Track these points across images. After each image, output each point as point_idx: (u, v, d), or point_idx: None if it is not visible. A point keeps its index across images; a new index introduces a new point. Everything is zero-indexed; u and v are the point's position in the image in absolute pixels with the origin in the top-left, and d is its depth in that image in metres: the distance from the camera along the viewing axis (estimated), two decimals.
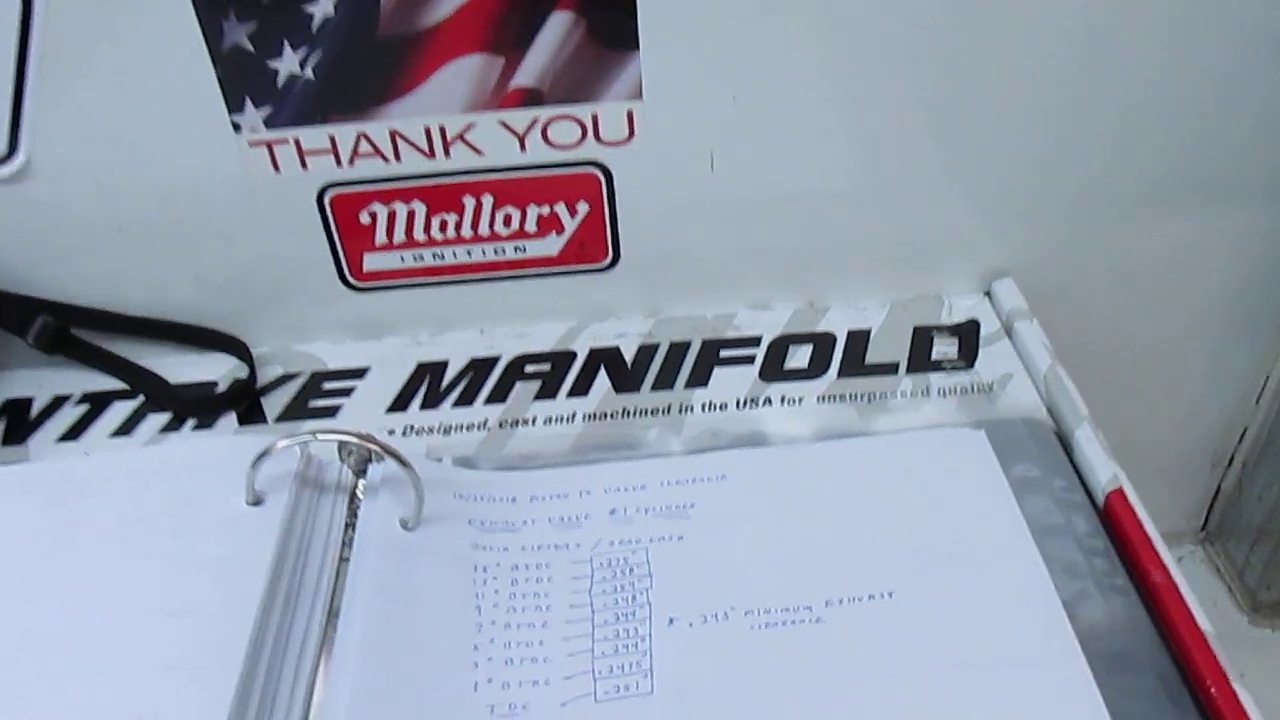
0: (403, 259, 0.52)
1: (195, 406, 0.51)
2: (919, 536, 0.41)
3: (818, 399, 0.50)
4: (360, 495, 0.44)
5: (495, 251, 0.53)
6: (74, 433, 0.50)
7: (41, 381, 0.53)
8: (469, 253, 0.52)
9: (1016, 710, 0.35)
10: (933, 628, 0.38)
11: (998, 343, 0.53)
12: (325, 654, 0.38)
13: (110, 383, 0.53)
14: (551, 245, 0.53)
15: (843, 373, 0.51)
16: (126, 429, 0.50)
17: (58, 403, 0.52)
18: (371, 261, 0.52)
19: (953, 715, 0.35)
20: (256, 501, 0.42)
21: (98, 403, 0.52)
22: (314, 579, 0.41)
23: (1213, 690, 0.35)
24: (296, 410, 0.51)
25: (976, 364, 0.51)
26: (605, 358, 0.53)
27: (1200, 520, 0.75)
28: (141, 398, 0.52)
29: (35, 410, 0.51)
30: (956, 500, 0.43)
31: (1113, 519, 0.42)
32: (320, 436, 0.42)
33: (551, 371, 0.53)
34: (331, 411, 0.51)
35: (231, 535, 0.41)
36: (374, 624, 0.38)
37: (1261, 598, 0.71)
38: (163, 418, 0.51)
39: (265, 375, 0.53)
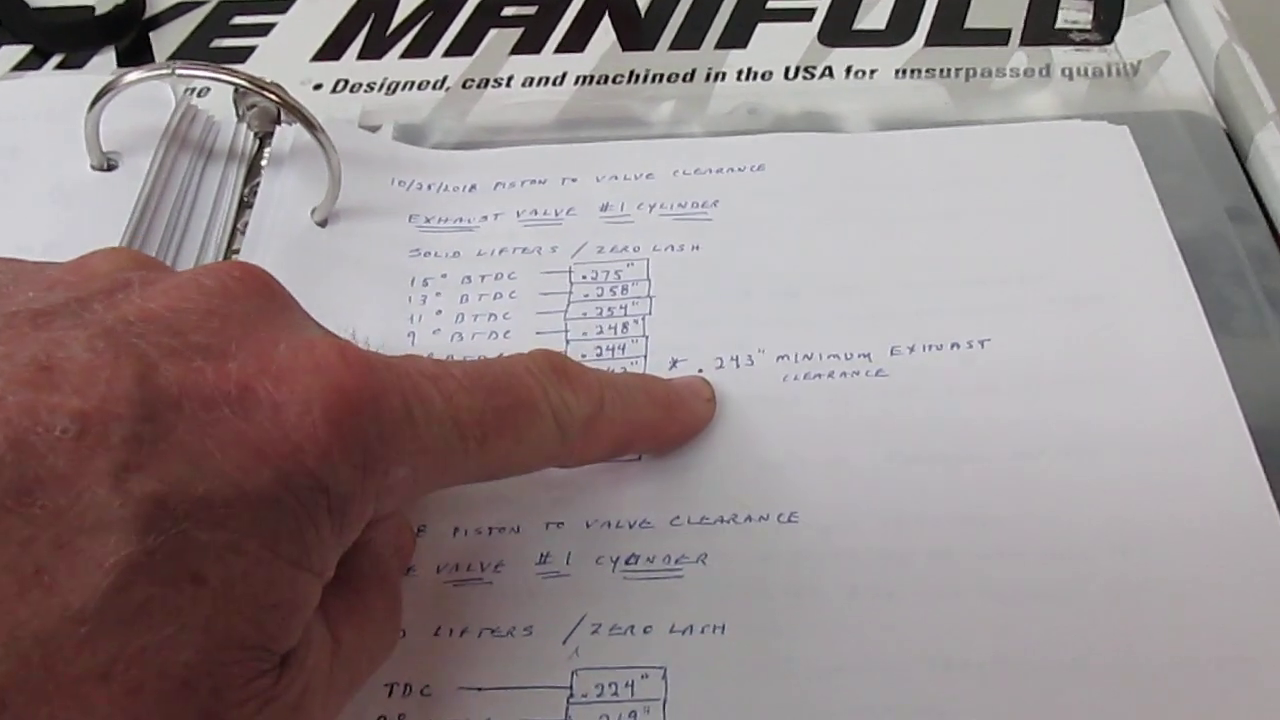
0: None
1: (60, 35, 0.38)
2: (1028, 266, 0.30)
3: (896, 72, 0.37)
4: (263, 168, 0.32)
5: None
6: None
7: None
8: None
9: (1165, 498, 0.25)
10: (1042, 390, 0.27)
11: (1150, 9, 0.39)
12: None
13: None
14: None
15: (933, 39, 0.38)
16: None
17: None
18: None
19: (1065, 503, 0.25)
20: (108, 166, 0.31)
21: None
22: None
23: None
24: (194, 49, 0.38)
25: (1117, 37, 0.38)
26: (611, 3, 0.40)
27: None
28: None
29: None
30: (1084, 217, 0.31)
31: None
32: (181, 71, 0.29)
33: (537, 17, 0.39)
34: (241, 54, 0.38)
35: (65, 212, 0.29)
36: None
37: None
38: (18, 51, 0.38)
39: (157, 3, 0.40)
